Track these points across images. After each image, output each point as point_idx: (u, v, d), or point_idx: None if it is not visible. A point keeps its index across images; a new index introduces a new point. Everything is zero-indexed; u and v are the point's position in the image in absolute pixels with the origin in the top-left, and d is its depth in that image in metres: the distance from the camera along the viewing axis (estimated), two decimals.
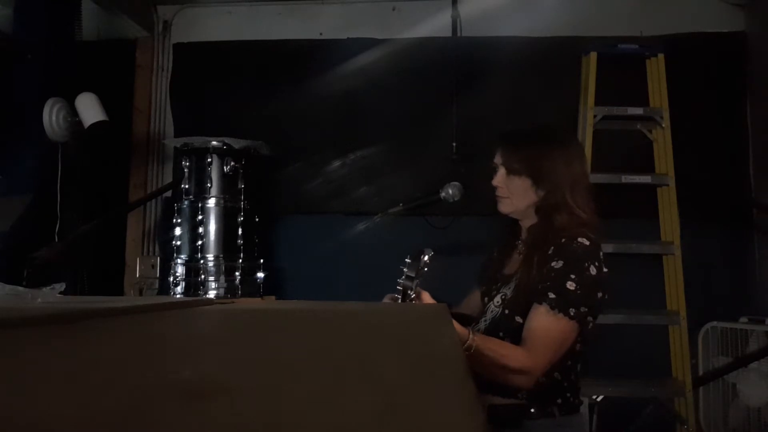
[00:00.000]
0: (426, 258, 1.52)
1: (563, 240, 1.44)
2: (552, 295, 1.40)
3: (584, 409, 2.52)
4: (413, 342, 0.67)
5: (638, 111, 2.82)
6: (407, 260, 1.52)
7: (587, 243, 1.43)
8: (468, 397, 0.36)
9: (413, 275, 1.48)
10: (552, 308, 1.39)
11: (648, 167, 2.88)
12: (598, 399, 2.64)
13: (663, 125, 2.80)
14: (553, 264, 1.42)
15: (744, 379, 2.54)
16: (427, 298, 1.51)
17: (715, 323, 2.71)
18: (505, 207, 1.59)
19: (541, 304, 1.41)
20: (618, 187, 2.77)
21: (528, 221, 1.58)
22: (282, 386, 0.38)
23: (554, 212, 1.49)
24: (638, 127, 2.88)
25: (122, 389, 0.36)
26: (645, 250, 2.82)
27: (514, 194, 1.56)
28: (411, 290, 1.47)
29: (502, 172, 1.58)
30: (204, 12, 3.38)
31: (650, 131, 2.88)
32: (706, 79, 3.02)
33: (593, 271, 1.41)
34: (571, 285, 1.39)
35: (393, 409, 0.32)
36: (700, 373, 2.70)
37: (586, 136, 2.76)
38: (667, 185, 2.77)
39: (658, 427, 2.76)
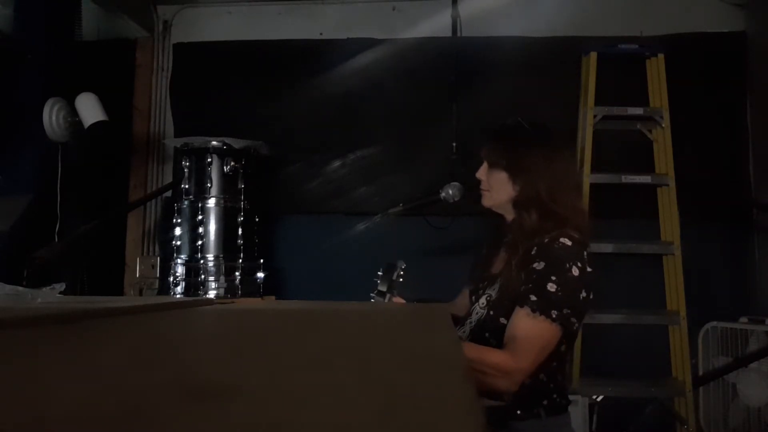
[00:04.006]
0: (399, 271, 1.55)
1: (546, 240, 1.43)
2: (533, 298, 1.38)
3: (583, 408, 2.53)
4: (413, 342, 0.67)
5: (638, 111, 2.82)
6: (379, 273, 1.56)
7: (569, 243, 1.42)
8: (468, 397, 0.36)
9: (384, 290, 1.52)
10: (533, 311, 1.38)
11: (648, 167, 2.88)
12: (598, 399, 2.64)
13: (663, 125, 2.80)
14: (534, 265, 1.41)
15: (744, 379, 2.53)
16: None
17: (715, 323, 2.70)
18: (485, 200, 1.60)
19: (522, 306, 1.40)
20: (618, 187, 2.77)
21: (510, 216, 1.58)
22: (282, 386, 0.38)
23: (525, 208, 1.49)
24: (638, 127, 2.88)
25: (122, 389, 0.36)
26: (645, 250, 2.82)
27: (493, 187, 1.57)
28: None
29: (484, 165, 1.60)
30: (204, 12, 3.38)
31: (650, 131, 2.88)
32: (706, 79, 3.02)
33: (575, 272, 1.39)
34: (552, 287, 1.38)
35: (393, 409, 0.32)
36: (700, 373, 2.70)
37: (586, 136, 2.77)
38: (667, 185, 2.77)
39: (658, 427, 2.76)
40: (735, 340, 2.63)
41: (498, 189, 1.55)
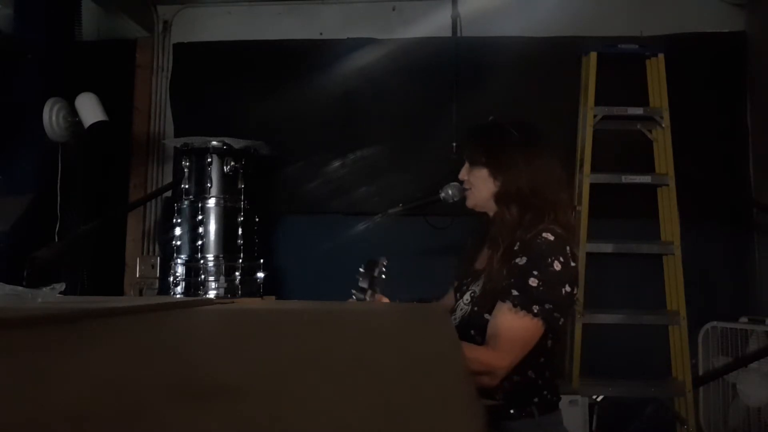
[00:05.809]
0: (381, 267, 1.56)
1: (528, 236, 1.44)
2: (515, 293, 1.39)
3: (583, 408, 2.53)
4: (413, 342, 0.67)
5: (638, 111, 2.82)
6: (360, 269, 1.56)
7: (552, 238, 1.42)
8: (468, 397, 0.36)
9: (366, 286, 1.53)
10: (515, 306, 1.38)
11: (648, 167, 2.88)
12: (598, 399, 2.64)
13: (663, 125, 2.80)
14: (517, 260, 1.42)
15: (744, 379, 2.53)
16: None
17: (715, 323, 2.71)
18: (468, 201, 1.62)
19: (504, 301, 1.40)
20: (618, 187, 2.77)
21: (492, 213, 1.58)
22: (282, 386, 0.38)
23: (506, 202, 1.50)
24: (638, 127, 2.88)
25: (122, 389, 0.36)
26: (645, 250, 2.82)
27: (475, 185, 1.58)
28: (365, 300, 1.52)
29: (466, 165, 1.62)
30: (204, 12, 3.38)
31: (650, 131, 2.88)
32: (706, 79, 3.02)
33: (557, 266, 1.39)
34: (533, 282, 1.38)
35: (393, 409, 0.32)
36: (700, 373, 2.70)
37: (586, 136, 2.77)
38: (667, 185, 2.77)
39: (658, 427, 2.76)
40: (735, 340, 2.63)
41: (479, 186, 1.57)
